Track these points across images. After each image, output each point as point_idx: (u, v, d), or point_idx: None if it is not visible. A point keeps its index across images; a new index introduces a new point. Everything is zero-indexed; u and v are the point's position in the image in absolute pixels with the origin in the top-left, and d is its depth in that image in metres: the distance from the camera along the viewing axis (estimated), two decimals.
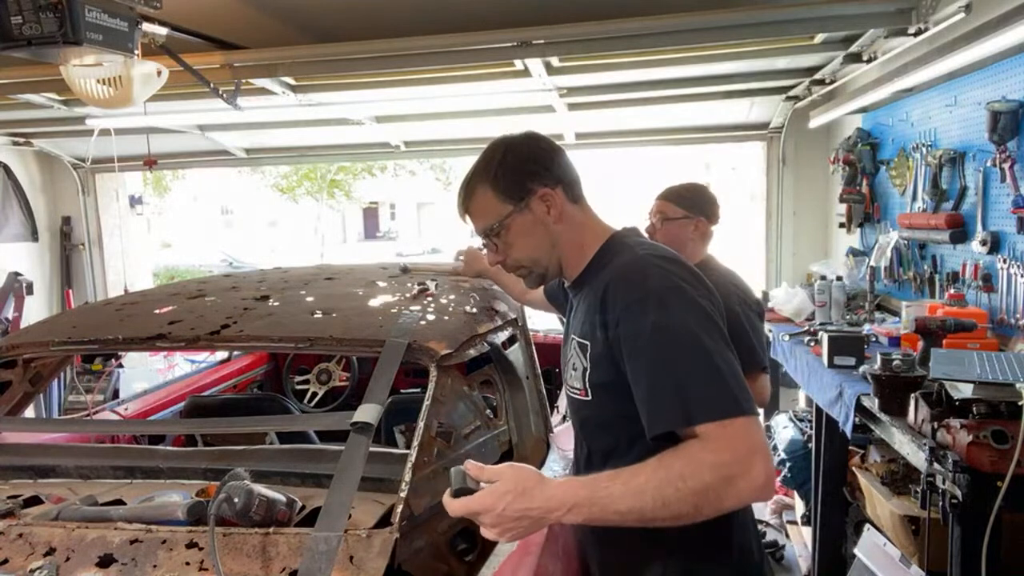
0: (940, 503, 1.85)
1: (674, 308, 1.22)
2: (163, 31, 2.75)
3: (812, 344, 3.18)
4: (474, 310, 2.06)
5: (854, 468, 2.84)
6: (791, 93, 4.33)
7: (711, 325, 1.22)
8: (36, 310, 5.62)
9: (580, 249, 1.45)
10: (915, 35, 2.87)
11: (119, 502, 1.69)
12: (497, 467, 1.16)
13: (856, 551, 2.49)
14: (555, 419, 2.32)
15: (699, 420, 1.12)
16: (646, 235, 1.52)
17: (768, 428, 4.05)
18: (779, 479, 3.62)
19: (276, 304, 2.11)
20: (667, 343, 1.19)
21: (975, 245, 2.71)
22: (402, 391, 3.33)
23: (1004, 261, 2.59)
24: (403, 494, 1.43)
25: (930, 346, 2.37)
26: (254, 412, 2.82)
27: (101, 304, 2.41)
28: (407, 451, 1.54)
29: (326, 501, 1.37)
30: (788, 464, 3.50)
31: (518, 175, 1.41)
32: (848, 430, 2.48)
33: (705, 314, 1.23)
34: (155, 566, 1.35)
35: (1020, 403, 1.70)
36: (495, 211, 1.42)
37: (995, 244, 2.64)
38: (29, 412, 2.92)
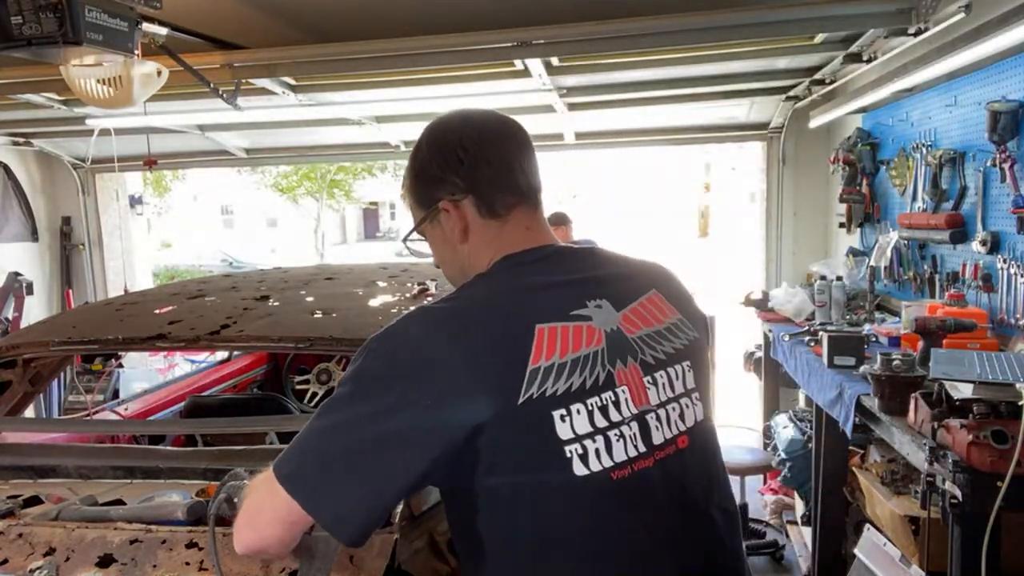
0: (940, 503, 1.85)
1: (355, 365, 1.08)
2: (163, 31, 2.75)
3: (812, 344, 3.18)
4: None
5: (854, 468, 2.84)
6: (791, 93, 4.33)
7: (363, 400, 1.04)
8: (36, 310, 5.62)
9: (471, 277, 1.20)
10: (915, 35, 2.86)
11: (119, 502, 1.69)
12: None
13: (856, 551, 2.49)
14: None
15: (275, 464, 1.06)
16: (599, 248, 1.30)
17: (768, 428, 4.05)
18: (779, 479, 3.62)
19: (276, 304, 2.11)
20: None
21: (975, 245, 2.71)
22: None
23: (1004, 261, 2.59)
24: None
25: (930, 346, 2.37)
26: (254, 412, 2.82)
27: (101, 304, 2.42)
28: None
29: None
30: (788, 464, 3.50)
31: (427, 178, 1.20)
32: (848, 430, 2.48)
33: (369, 387, 1.04)
34: (155, 566, 1.35)
35: (1020, 403, 1.70)
36: (414, 213, 1.24)
37: (995, 244, 2.64)
38: (29, 412, 2.92)
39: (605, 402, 1.07)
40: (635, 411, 1.09)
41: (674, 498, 1.11)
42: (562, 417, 1.03)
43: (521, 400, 1.02)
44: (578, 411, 1.04)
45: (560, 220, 5.42)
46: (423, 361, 1.03)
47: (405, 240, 1.27)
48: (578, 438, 1.04)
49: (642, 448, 1.08)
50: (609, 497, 1.05)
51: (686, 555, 1.12)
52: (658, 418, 1.12)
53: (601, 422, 1.06)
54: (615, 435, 1.06)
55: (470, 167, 1.16)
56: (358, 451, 1.01)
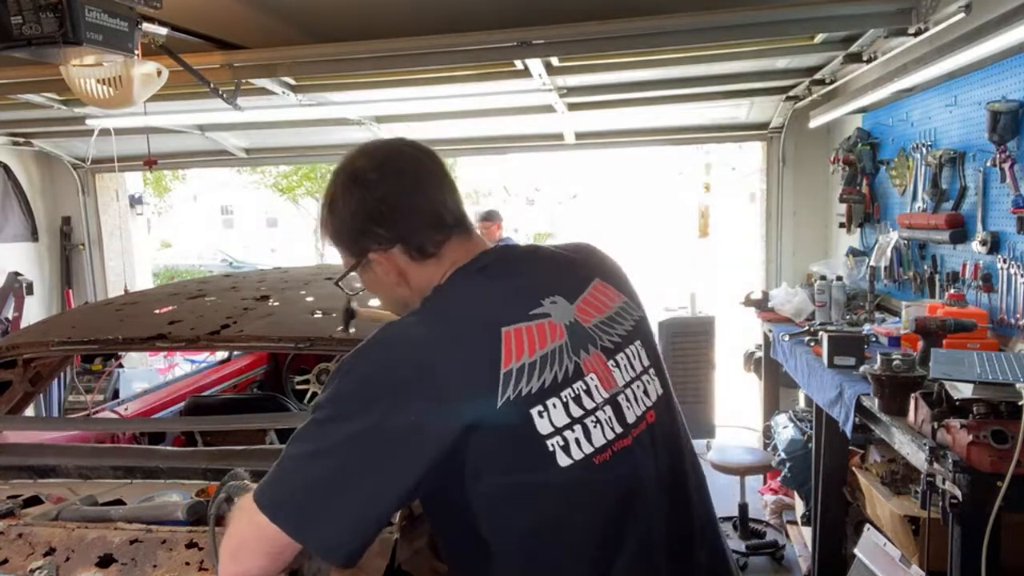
0: (940, 503, 1.85)
1: (330, 389, 1.07)
2: (163, 31, 2.75)
3: (812, 344, 3.18)
4: None
5: (854, 468, 2.84)
6: (791, 93, 4.34)
7: (343, 422, 1.04)
8: (36, 310, 5.62)
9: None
10: (915, 35, 2.87)
11: (119, 502, 1.69)
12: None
13: (856, 551, 2.49)
14: None
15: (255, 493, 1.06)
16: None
17: (768, 428, 4.05)
18: (779, 479, 3.62)
19: (276, 304, 2.12)
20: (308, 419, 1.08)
21: (975, 245, 2.71)
22: None
23: (1004, 261, 2.59)
24: None
25: (930, 346, 2.36)
26: (254, 412, 2.82)
27: (101, 304, 2.42)
28: None
29: None
30: (788, 464, 3.50)
31: (350, 230, 1.19)
32: (848, 430, 2.48)
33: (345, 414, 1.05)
34: (155, 566, 1.35)
35: (1020, 403, 1.70)
36: (343, 257, 1.25)
37: (995, 244, 2.64)
38: (29, 412, 2.92)
39: (577, 392, 1.11)
40: (606, 395, 1.14)
41: (651, 468, 1.17)
42: (540, 413, 1.07)
43: (499, 404, 1.04)
44: (554, 405, 1.08)
45: (491, 217, 5.56)
46: (399, 378, 1.05)
47: (338, 283, 1.30)
48: (558, 431, 1.07)
49: (619, 429, 1.14)
50: (594, 481, 1.10)
51: (671, 517, 1.18)
52: (627, 398, 1.17)
53: (577, 412, 1.10)
54: (592, 422, 1.11)
55: (392, 220, 1.16)
56: (342, 474, 1.02)
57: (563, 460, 1.07)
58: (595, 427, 1.11)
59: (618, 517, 1.12)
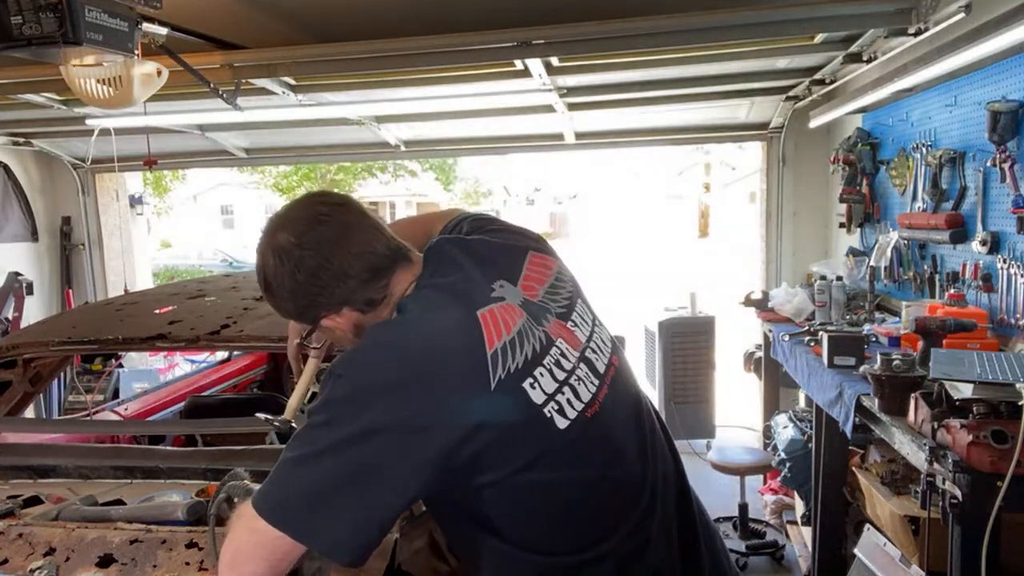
0: (940, 503, 1.85)
1: (324, 394, 1.09)
2: (163, 31, 2.75)
3: (812, 344, 3.17)
4: None
5: (854, 468, 2.84)
6: (791, 93, 4.33)
7: (341, 426, 1.04)
8: (36, 310, 5.62)
9: None
10: (915, 35, 2.86)
11: (119, 502, 1.69)
12: None
13: (856, 551, 2.49)
14: None
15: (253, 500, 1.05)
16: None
17: (768, 428, 4.05)
18: (779, 479, 3.62)
19: None
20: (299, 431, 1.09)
21: (975, 245, 2.71)
22: None
23: (1004, 261, 2.59)
24: None
25: (930, 346, 2.36)
26: (254, 412, 2.82)
27: (101, 304, 2.42)
28: None
29: None
30: (788, 464, 3.50)
31: (293, 307, 1.22)
32: (848, 430, 2.48)
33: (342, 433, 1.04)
34: (155, 566, 1.35)
35: (1020, 403, 1.70)
36: (295, 326, 1.36)
37: (995, 244, 2.64)
38: (29, 412, 2.92)
39: (556, 357, 1.17)
40: (577, 354, 1.21)
41: (626, 410, 1.26)
42: (532, 385, 1.12)
43: (493, 384, 1.07)
44: (541, 375, 1.13)
45: None
46: (393, 377, 1.06)
47: (302, 342, 1.37)
48: (550, 397, 1.13)
49: (595, 381, 1.21)
50: (591, 432, 1.16)
51: (648, 451, 1.26)
52: (593, 351, 1.25)
53: (561, 375, 1.16)
54: (575, 380, 1.17)
55: (331, 290, 1.17)
56: (342, 476, 1.02)
57: (561, 423, 1.12)
58: (579, 384, 1.17)
59: (612, 461, 1.19)
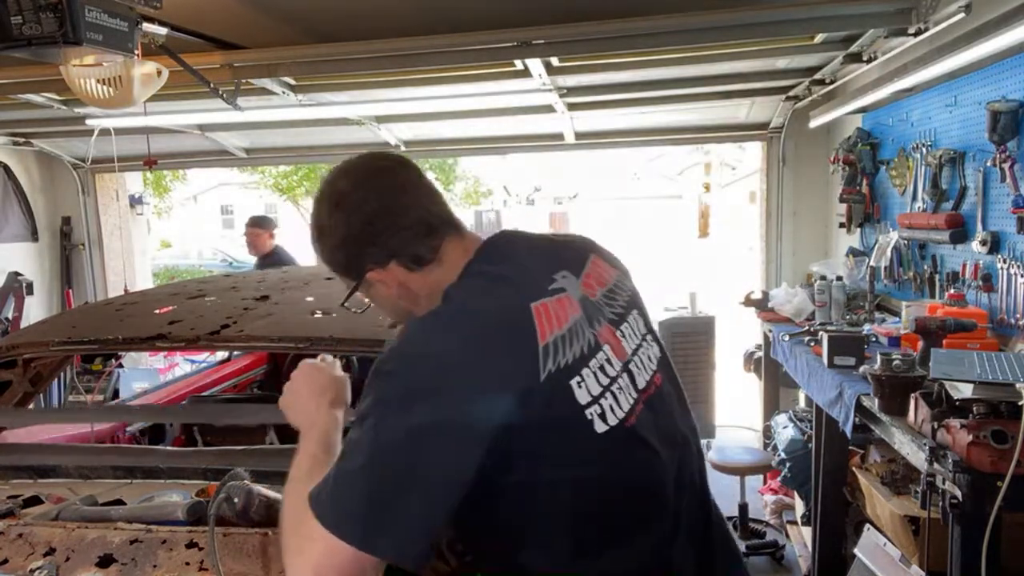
0: (940, 503, 1.85)
1: (375, 393, 1.04)
2: (163, 31, 2.75)
3: (812, 344, 3.17)
4: None
5: (854, 468, 2.84)
6: (791, 93, 4.33)
7: (395, 426, 1.00)
8: (36, 310, 5.62)
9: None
10: (915, 35, 2.87)
11: (119, 502, 1.69)
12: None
13: (856, 551, 2.49)
14: None
15: (314, 510, 1.00)
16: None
17: (768, 428, 4.05)
18: (779, 479, 3.62)
19: (276, 304, 2.11)
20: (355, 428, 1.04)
21: (975, 245, 2.71)
22: None
23: (1004, 261, 2.59)
24: None
25: (930, 346, 2.36)
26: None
27: (101, 304, 2.42)
28: None
29: None
30: (788, 464, 3.50)
31: (343, 255, 1.21)
32: (848, 430, 2.48)
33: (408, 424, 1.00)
34: (155, 566, 1.35)
35: (1020, 403, 1.70)
36: (341, 279, 1.27)
37: (995, 244, 2.64)
38: None
39: (600, 362, 1.15)
40: (620, 364, 1.19)
41: (661, 428, 1.22)
42: (578, 384, 1.09)
43: (543, 377, 1.05)
44: (587, 375, 1.11)
45: (261, 224, 5.47)
46: (443, 370, 1.03)
47: (344, 304, 1.31)
48: (594, 399, 1.10)
49: (634, 394, 1.18)
50: (628, 443, 1.14)
51: (682, 471, 1.23)
52: (636, 365, 1.23)
53: (604, 380, 1.13)
54: (617, 388, 1.15)
55: (384, 239, 1.17)
56: (405, 477, 0.99)
57: (600, 427, 1.10)
58: (620, 393, 1.15)
59: (646, 476, 1.17)
